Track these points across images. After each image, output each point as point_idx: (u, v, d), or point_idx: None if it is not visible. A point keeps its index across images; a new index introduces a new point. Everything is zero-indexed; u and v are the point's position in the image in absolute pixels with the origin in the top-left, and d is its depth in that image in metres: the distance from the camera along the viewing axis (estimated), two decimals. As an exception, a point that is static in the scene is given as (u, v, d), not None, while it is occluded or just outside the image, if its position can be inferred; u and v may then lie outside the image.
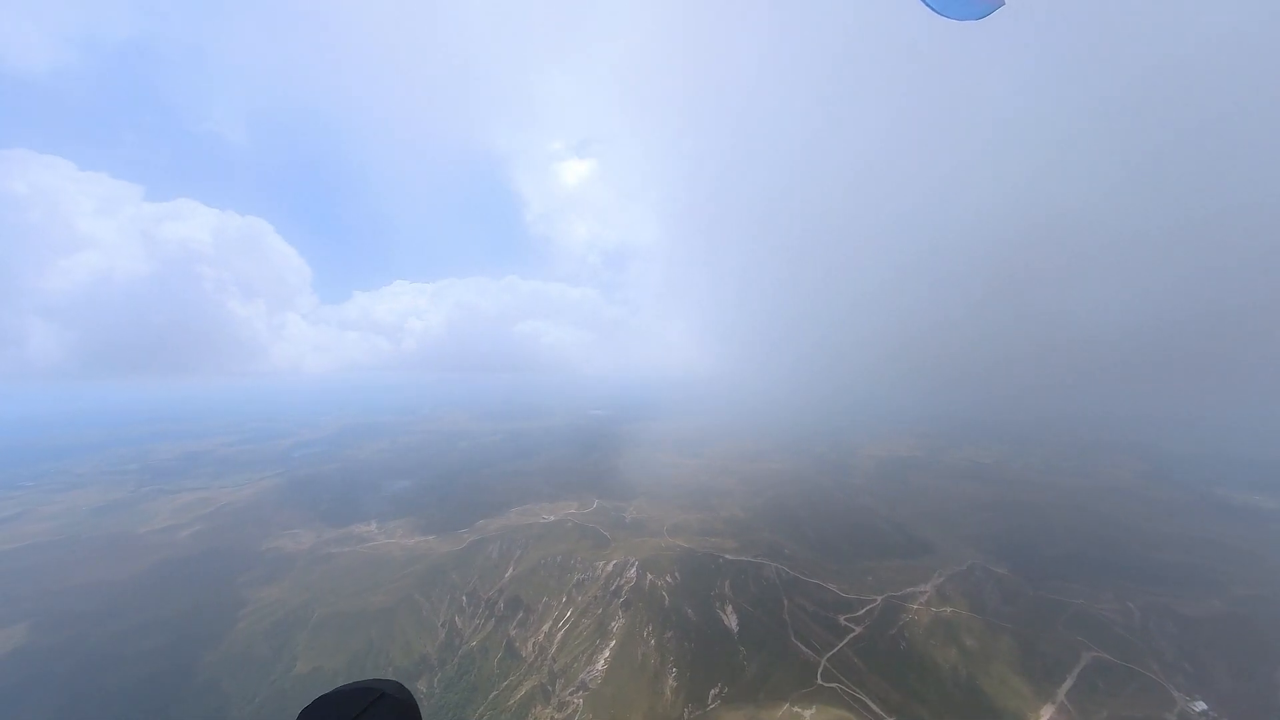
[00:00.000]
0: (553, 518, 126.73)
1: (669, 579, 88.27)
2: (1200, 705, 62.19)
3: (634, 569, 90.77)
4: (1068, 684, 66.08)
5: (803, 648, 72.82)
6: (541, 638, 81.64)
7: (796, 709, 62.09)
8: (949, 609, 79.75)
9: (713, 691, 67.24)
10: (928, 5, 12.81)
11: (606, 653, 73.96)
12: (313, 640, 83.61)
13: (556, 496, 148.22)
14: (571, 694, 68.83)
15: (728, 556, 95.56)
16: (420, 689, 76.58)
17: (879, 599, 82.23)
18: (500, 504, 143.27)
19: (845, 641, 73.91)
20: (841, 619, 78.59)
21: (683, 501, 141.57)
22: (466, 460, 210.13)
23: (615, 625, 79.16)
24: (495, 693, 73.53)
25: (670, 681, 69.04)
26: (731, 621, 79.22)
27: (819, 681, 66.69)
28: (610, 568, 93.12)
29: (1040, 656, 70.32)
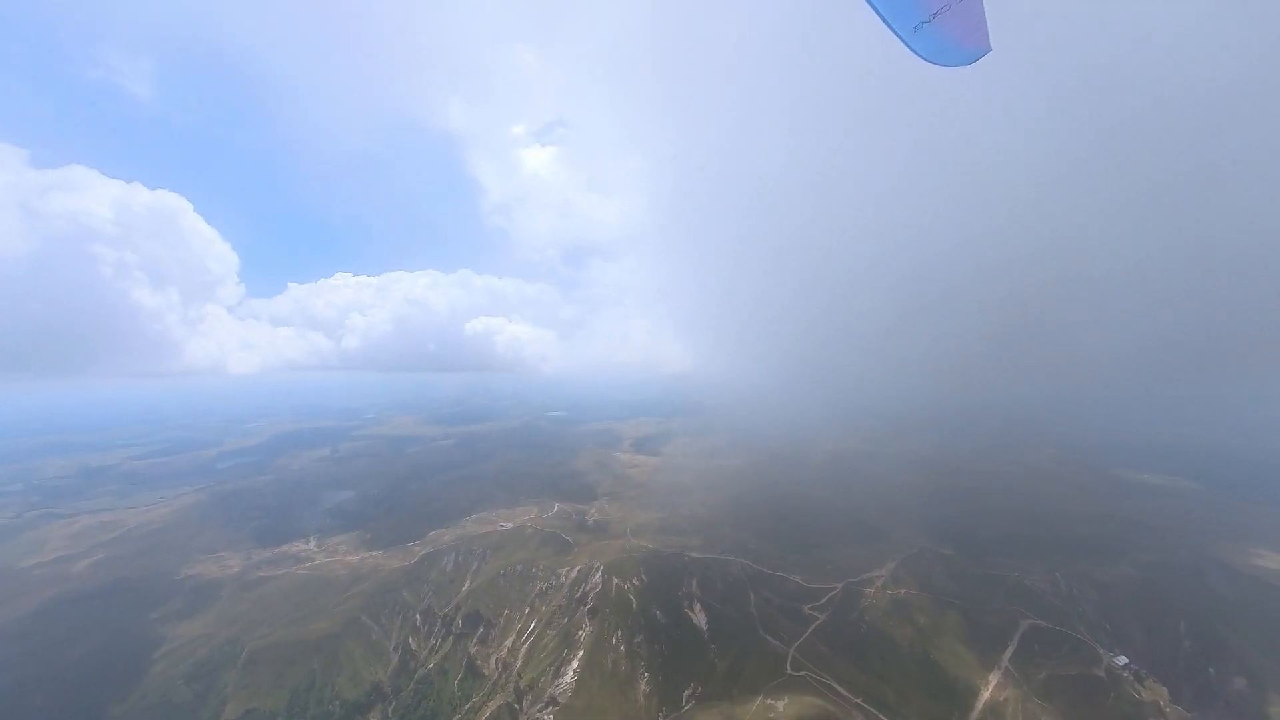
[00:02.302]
0: (511, 525, 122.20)
1: (635, 581, 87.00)
2: (1122, 659, 69.22)
3: (599, 574, 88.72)
4: (1010, 650, 71.35)
5: (771, 640, 73.92)
6: (505, 653, 77.99)
7: (769, 701, 62.80)
8: (903, 590, 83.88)
9: (686, 692, 66.78)
10: (916, 54, 13.16)
11: (575, 663, 71.61)
12: (244, 679, 75.15)
13: (514, 502, 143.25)
14: (541, 710, 66.01)
15: (693, 554, 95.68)
16: (373, 720, 70.84)
17: (839, 586, 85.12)
18: (454, 513, 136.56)
19: (811, 630, 75.84)
20: (806, 608, 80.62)
21: (644, 501, 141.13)
22: (416, 467, 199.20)
23: (582, 634, 76.87)
24: (458, 716, 69.33)
25: (643, 687, 67.87)
26: (701, 620, 79.20)
27: (789, 671, 67.90)
28: (574, 574, 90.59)
29: (985, 628, 75.41)
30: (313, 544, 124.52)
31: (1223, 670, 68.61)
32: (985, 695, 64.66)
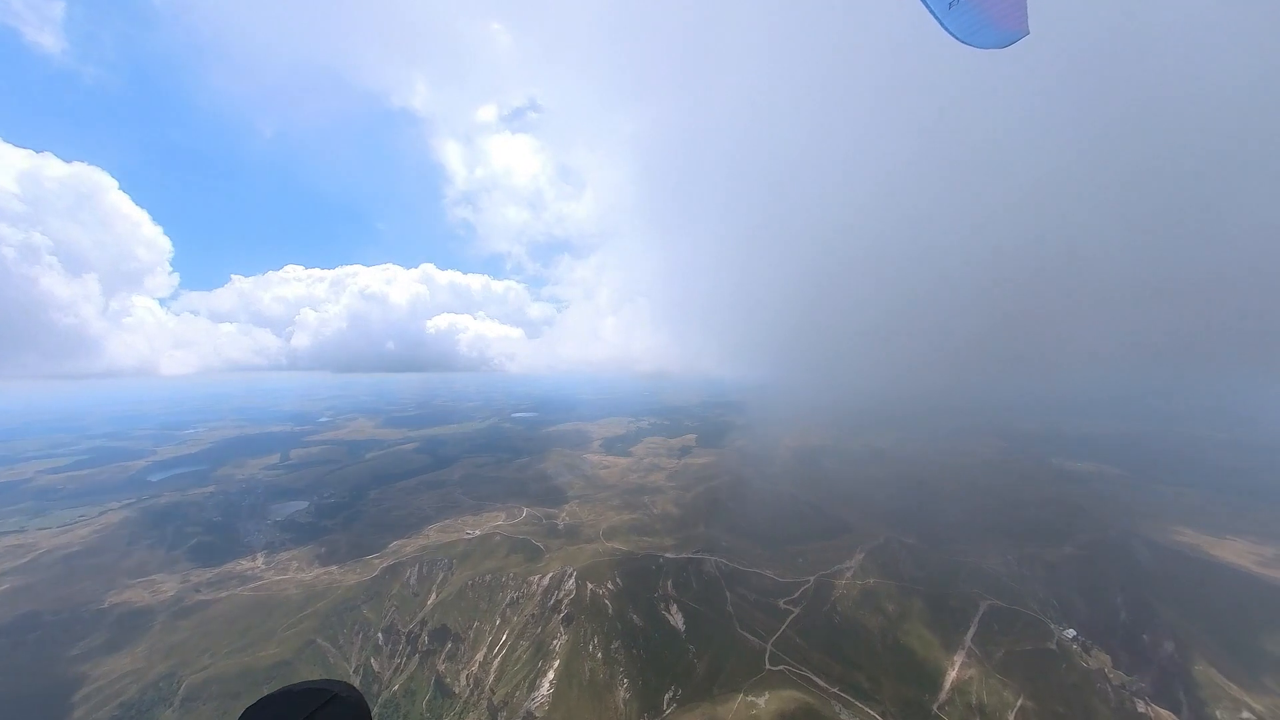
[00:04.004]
0: (478, 532, 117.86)
1: (610, 586, 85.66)
2: (1070, 632, 74.13)
3: (572, 579, 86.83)
4: (972, 631, 74.88)
5: (749, 636, 74.41)
6: (476, 668, 74.77)
7: (750, 698, 63.01)
8: (871, 580, 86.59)
9: (667, 696, 66.06)
10: (950, 32, 12.69)
11: (550, 674, 69.54)
12: (183, 718, 68.51)
13: (481, 508, 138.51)
14: (516, 724, 63.60)
15: (667, 555, 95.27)
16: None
17: (811, 579, 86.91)
18: (417, 522, 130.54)
19: (786, 624, 76.93)
20: (780, 603, 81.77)
21: (615, 502, 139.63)
22: (375, 474, 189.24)
23: (557, 643, 74.83)
24: (426, 737, 65.84)
25: (622, 693, 66.63)
26: (678, 621, 78.78)
27: (767, 667, 68.48)
28: (546, 581, 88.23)
29: (948, 611, 78.86)
30: (260, 561, 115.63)
31: (1154, 636, 74.51)
32: (952, 675, 67.48)
